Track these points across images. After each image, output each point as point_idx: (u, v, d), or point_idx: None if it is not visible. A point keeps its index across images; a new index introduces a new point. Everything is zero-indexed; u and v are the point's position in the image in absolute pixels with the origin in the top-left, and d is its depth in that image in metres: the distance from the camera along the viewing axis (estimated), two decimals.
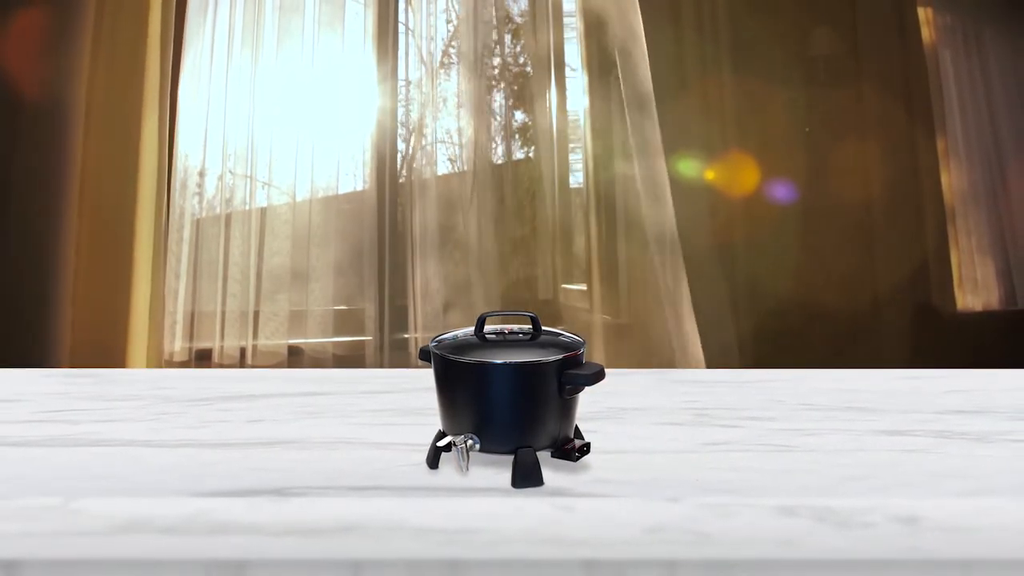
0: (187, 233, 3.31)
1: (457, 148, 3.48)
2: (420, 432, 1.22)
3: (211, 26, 3.31)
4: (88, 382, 1.57)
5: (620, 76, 3.38)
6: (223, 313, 3.30)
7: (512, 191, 3.57)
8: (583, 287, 3.53)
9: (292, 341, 3.35)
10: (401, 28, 3.46)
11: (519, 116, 3.62)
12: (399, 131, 3.47)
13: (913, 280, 3.45)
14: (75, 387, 1.54)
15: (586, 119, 3.51)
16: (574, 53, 3.57)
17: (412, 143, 3.49)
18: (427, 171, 3.45)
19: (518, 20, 3.64)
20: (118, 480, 1.15)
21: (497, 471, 1.15)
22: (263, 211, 3.35)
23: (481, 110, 3.45)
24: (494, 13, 3.55)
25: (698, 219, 3.39)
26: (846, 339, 3.30)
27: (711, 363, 3.28)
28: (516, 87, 3.64)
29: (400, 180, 3.46)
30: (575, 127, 3.59)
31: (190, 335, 3.30)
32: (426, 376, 1.19)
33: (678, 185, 3.36)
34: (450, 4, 3.49)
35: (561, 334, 1.19)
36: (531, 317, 1.18)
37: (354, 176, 3.45)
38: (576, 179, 3.57)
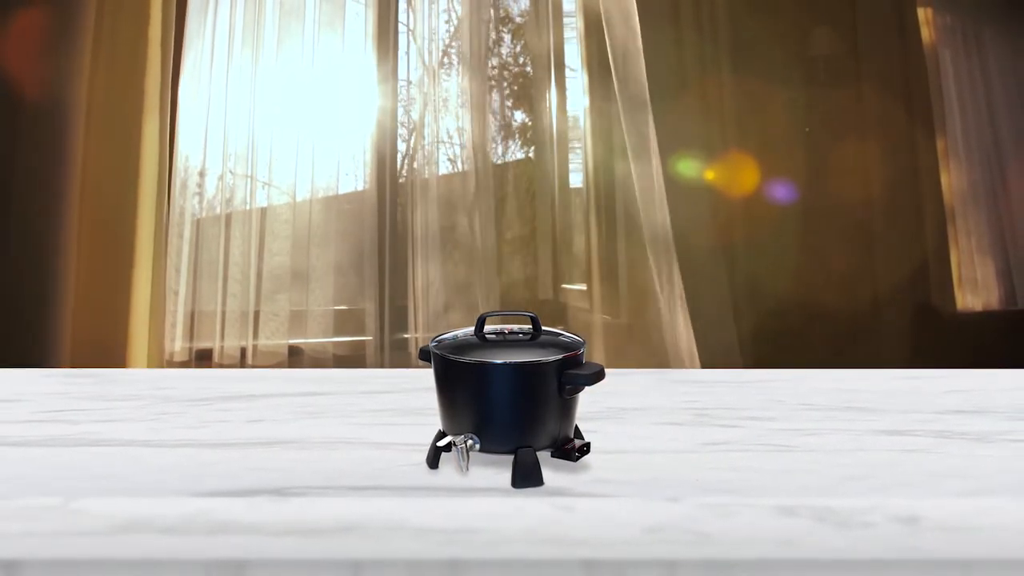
0: (187, 233, 3.31)
1: (457, 148, 3.48)
2: (420, 432, 1.22)
3: (211, 26, 3.31)
4: (88, 382, 1.57)
5: (620, 76, 3.38)
6: (223, 313, 3.30)
7: (512, 191, 3.57)
8: (583, 287, 3.53)
9: (292, 341, 3.35)
10: (401, 28, 3.47)
11: (519, 116, 3.62)
12: (399, 131, 3.48)
13: (913, 280, 3.45)
14: (75, 387, 1.54)
15: (586, 119, 3.51)
16: (574, 53, 3.57)
17: (412, 143, 3.49)
18: (427, 171, 3.45)
19: (518, 20, 3.64)
20: (118, 480, 1.15)
21: (497, 471, 1.15)
22: (263, 211, 3.35)
23: (481, 110, 3.45)
24: (494, 13, 3.55)
25: (698, 219, 3.39)
26: (846, 339, 3.31)
27: (711, 363, 3.28)
28: (516, 87, 3.64)
29: (400, 180, 3.46)
30: (575, 127, 3.59)
31: (190, 335, 3.30)
32: (426, 376, 1.19)
33: (679, 185, 3.36)
34: (450, 4, 3.49)
35: (561, 334, 1.19)
36: (531, 317, 1.18)
37: (354, 176, 3.45)
38: (576, 179, 3.58)
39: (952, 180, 3.50)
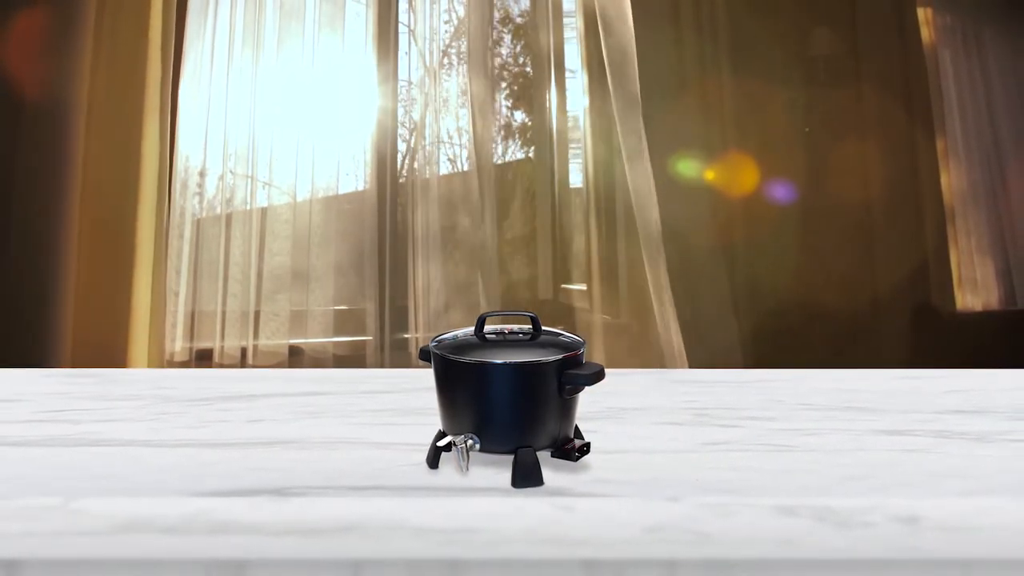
0: (188, 233, 3.31)
1: (457, 148, 3.48)
2: (420, 432, 1.22)
3: (212, 26, 3.31)
4: (89, 382, 1.58)
5: (620, 76, 3.38)
6: (224, 313, 3.30)
7: (512, 191, 3.57)
8: (583, 287, 3.53)
9: (293, 341, 3.35)
10: (402, 28, 3.47)
11: (519, 116, 3.62)
12: (399, 131, 3.48)
13: (913, 280, 3.45)
14: (76, 387, 1.54)
15: (586, 119, 3.51)
16: (574, 53, 3.57)
17: (412, 143, 3.49)
18: (427, 171, 3.45)
19: (518, 20, 3.64)
20: (118, 480, 1.15)
21: (497, 471, 1.15)
22: (264, 211, 3.35)
23: (481, 110, 3.45)
24: (494, 13, 3.55)
25: (699, 219, 3.39)
26: (846, 339, 3.31)
27: (711, 363, 3.28)
28: (516, 87, 3.64)
29: (401, 180, 3.46)
30: (575, 127, 3.59)
31: (191, 335, 3.30)
32: (426, 376, 1.19)
33: (679, 185, 3.36)
34: (451, 4, 3.49)
35: (561, 334, 1.19)
36: (531, 317, 1.18)
37: (355, 176, 3.45)
38: (576, 179, 3.58)
39: (952, 180, 3.50)
